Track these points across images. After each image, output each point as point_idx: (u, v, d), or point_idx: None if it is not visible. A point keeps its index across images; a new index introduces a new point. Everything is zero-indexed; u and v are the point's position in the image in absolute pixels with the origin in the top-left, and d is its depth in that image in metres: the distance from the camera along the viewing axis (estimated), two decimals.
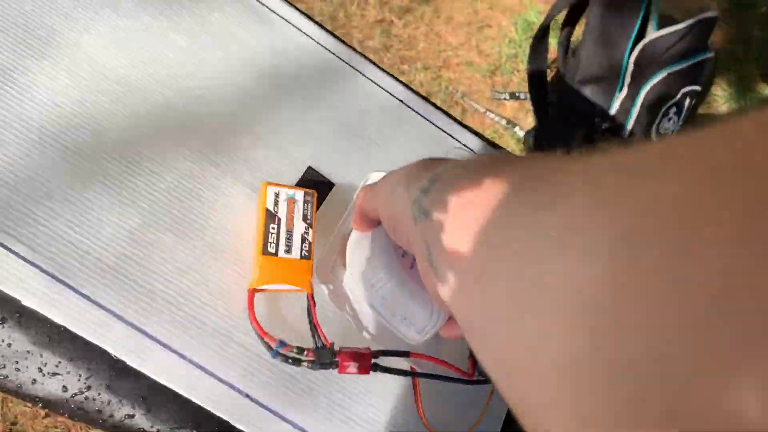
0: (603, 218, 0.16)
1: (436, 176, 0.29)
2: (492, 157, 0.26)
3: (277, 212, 0.42)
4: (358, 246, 0.44)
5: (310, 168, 0.48)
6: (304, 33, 0.52)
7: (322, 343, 0.41)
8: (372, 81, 0.53)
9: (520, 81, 1.65)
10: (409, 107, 0.53)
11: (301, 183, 0.47)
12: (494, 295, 0.21)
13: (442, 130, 0.54)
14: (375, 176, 0.49)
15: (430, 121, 0.54)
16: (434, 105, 0.55)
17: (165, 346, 0.39)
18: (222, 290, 0.42)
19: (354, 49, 0.53)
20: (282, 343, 0.40)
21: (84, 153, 0.41)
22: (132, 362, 0.38)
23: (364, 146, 0.51)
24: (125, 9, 0.47)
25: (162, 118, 0.44)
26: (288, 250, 0.42)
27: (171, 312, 0.40)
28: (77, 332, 0.37)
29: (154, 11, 0.47)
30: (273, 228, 0.42)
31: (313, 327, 0.41)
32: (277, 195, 0.43)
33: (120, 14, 0.46)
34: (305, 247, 0.42)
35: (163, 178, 0.43)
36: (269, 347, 0.40)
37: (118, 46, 0.45)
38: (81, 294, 0.38)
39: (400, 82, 0.54)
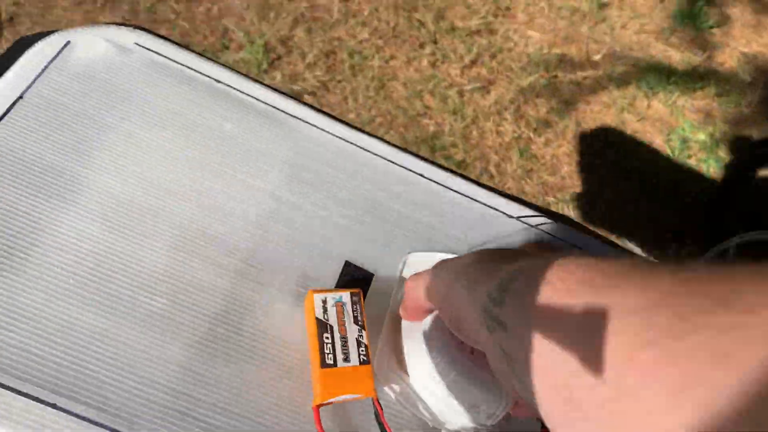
0: None
1: (506, 281, 0.28)
2: (590, 262, 0.24)
3: (327, 320, 0.42)
4: (413, 339, 0.43)
5: (347, 262, 0.47)
6: (328, 132, 0.52)
7: None
8: (406, 167, 0.53)
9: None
10: (450, 189, 0.53)
11: (342, 279, 0.47)
12: None
13: (491, 207, 0.53)
14: (413, 259, 0.49)
15: (474, 199, 0.53)
16: (478, 183, 0.54)
17: None
18: (286, 409, 0.41)
19: (394, 144, 0.53)
20: None
21: (122, 296, 0.41)
22: None
23: (398, 230, 0.50)
24: (141, 140, 0.47)
25: (193, 243, 0.44)
26: (346, 358, 0.41)
27: None
28: None
29: (170, 135, 0.48)
30: (327, 338, 0.41)
31: (383, 429, 0.40)
32: (324, 301, 0.42)
33: (139, 147, 0.46)
34: (362, 351, 0.41)
35: (205, 308, 0.42)
36: None
37: (139, 178, 0.45)
38: None
39: (438, 164, 0.53)
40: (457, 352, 0.40)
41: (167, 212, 0.44)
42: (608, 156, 1.60)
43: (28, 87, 0.46)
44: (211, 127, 0.49)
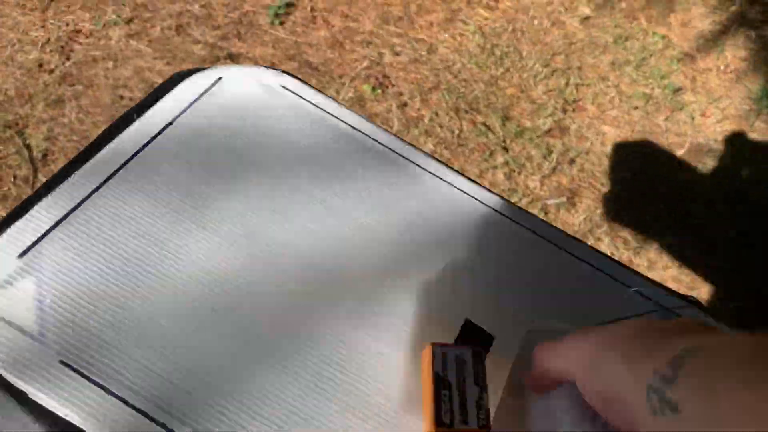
0: None
1: (681, 358, 0.25)
2: None
3: (446, 376, 0.39)
4: (540, 412, 0.39)
5: (468, 321, 0.45)
6: (458, 189, 0.51)
7: None
8: (531, 230, 0.51)
9: None
10: (583, 260, 0.50)
11: (461, 339, 0.44)
12: None
13: (615, 279, 0.50)
14: (538, 327, 0.46)
15: (596, 267, 0.50)
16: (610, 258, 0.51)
17: None
18: None
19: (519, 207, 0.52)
20: None
21: (245, 327, 0.40)
22: None
23: (523, 296, 0.47)
24: (279, 176, 0.48)
25: (318, 283, 0.43)
26: (464, 420, 0.38)
27: None
28: None
29: (306, 175, 0.48)
30: (445, 395, 0.38)
31: None
32: (444, 356, 0.40)
33: (277, 183, 0.47)
34: (482, 415, 0.38)
35: (318, 347, 0.41)
36: None
37: (273, 212, 0.45)
38: None
39: (576, 240, 0.51)
40: (593, 424, 0.37)
41: (296, 250, 0.44)
42: None
43: (181, 113, 0.49)
44: (347, 172, 0.49)
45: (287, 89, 0.53)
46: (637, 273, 0.51)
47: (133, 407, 0.35)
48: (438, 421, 0.37)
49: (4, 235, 0.40)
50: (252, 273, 0.42)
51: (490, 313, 0.46)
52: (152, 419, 0.35)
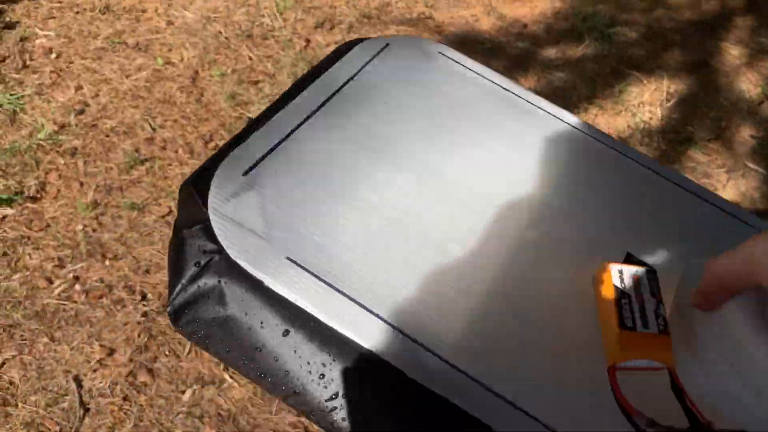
0: None
1: None
2: None
3: (625, 288, 0.42)
4: (712, 326, 0.41)
5: (628, 254, 0.48)
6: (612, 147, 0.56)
7: (698, 422, 0.38)
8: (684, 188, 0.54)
9: None
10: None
11: None
12: None
13: None
14: (696, 264, 0.48)
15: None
16: None
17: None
18: (575, 373, 0.41)
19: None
20: (652, 422, 0.37)
21: (431, 241, 0.45)
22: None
23: (677, 235, 0.50)
24: (443, 126, 0.53)
25: (499, 223, 0.48)
26: (644, 324, 0.41)
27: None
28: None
29: (465, 130, 0.53)
30: (625, 303, 0.41)
31: (685, 404, 0.39)
32: (621, 272, 0.43)
33: (442, 133, 0.52)
34: (660, 322, 0.41)
35: (504, 267, 0.45)
36: (637, 427, 0.38)
37: (441, 153, 0.50)
38: (438, 356, 0.39)
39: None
40: (766, 336, 0.39)
41: (467, 184, 0.49)
42: None
43: (358, 71, 0.55)
44: (504, 129, 0.54)
45: (444, 55, 0.59)
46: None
47: (348, 297, 0.40)
48: (621, 324, 0.40)
49: (228, 158, 0.46)
50: (441, 209, 0.47)
51: (651, 249, 0.49)
52: (363, 306, 0.40)
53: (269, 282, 0.40)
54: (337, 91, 0.53)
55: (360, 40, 0.59)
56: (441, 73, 0.57)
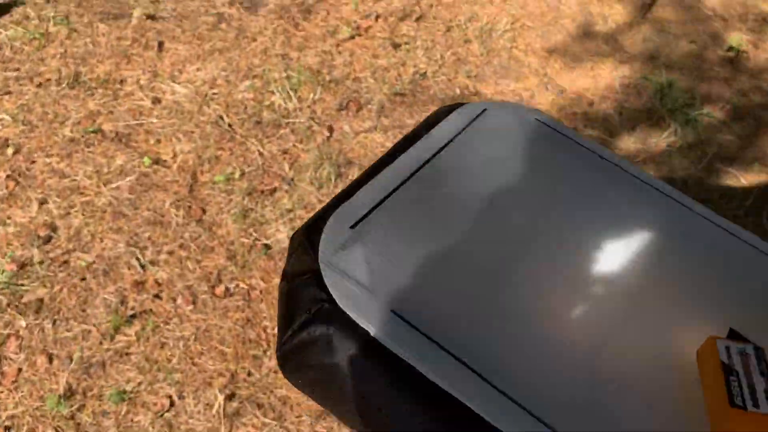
0: None
1: None
2: None
3: (733, 365, 0.41)
4: None
5: (732, 330, 0.47)
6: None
7: None
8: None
9: None
10: None
11: None
12: None
13: None
14: None
15: None
16: None
17: None
18: None
19: None
20: None
21: (542, 308, 0.45)
22: None
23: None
24: (539, 192, 0.54)
25: (601, 286, 0.48)
26: (755, 405, 0.40)
27: None
28: None
29: (561, 196, 0.54)
30: (734, 380, 0.41)
31: None
32: (728, 348, 0.42)
33: (538, 201, 0.53)
34: None
35: (608, 337, 0.45)
36: None
37: (536, 218, 0.51)
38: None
39: None
40: None
41: (571, 255, 0.50)
42: None
43: (458, 133, 0.57)
44: (600, 196, 0.55)
45: (540, 122, 0.61)
46: None
47: (450, 353, 0.41)
48: (731, 401, 0.40)
49: (338, 210, 0.48)
50: (547, 273, 0.48)
51: (754, 326, 0.48)
52: (469, 367, 0.40)
53: (374, 332, 0.41)
54: (438, 152, 0.55)
55: (458, 105, 0.61)
56: (536, 138, 0.59)
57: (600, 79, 1.56)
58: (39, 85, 1.31)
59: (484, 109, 0.60)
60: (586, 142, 0.60)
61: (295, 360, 0.43)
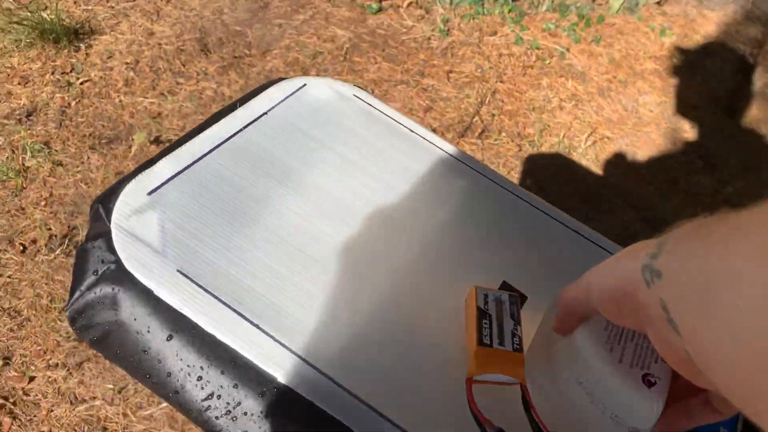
0: None
1: (662, 242, 0.31)
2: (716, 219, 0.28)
3: (487, 309, 0.47)
4: (564, 347, 0.46)
5: (504, 282, 0.53)
6: (500, 185, 0.61)
7: (541, 431, 0.42)
8: (552, 218, 0.59)
9: None
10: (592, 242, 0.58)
11: None
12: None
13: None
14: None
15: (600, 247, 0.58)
16: None
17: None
18: (441, 380, 0.45)
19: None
20: (500, 430, 0.41)
21: (320, 261, 0.49)
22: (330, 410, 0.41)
23: (546, 269, 0.55)
24: (349, 161, 0.58)
25: (380, 244, 0.52)
26: (501, 343, 0.45)
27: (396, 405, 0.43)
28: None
29: (370, 165, 0.58)
30: (485, 323, 0.46)
31: (532, 417, 0.43)
32: (486, 296, 0.48)
33: (347, 166, 0.57)
34: (516, 341, 0.45)
35: (385, 293, 0.49)
36: None
37: (341, 185, 0.55)
38: (311, 364, 0.43)
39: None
40: (609, 359, 0.43)
41: (361, 217, 0.54)
42: None
43: (274, 106, 0.60)
44: (401, 164, 0.59)
45: (358, 97, 0.64)
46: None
47: (229, 306, 0.44)
48: (479, 341, 0.45)
49: (137, 177, 0.50)
50: (331, 232, 0.51)
51: (526, 278, 0.53)
52: (243, 316, 0.44)
53: (158, 291, 0.44)
54: (253, 122, 0.58)
55: (280, 80, 0.64)
56: (351, 114, 0.62)
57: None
58: (23, 251, 0.93)
59: (304, 84, 0.64)
60: (403, 118, 0.64)
61: (84, 319, 0.44)
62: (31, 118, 1.10)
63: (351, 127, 0.61)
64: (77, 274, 0.46)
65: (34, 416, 0.71)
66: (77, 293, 0.45)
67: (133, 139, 1.12)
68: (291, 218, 0.51)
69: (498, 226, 0.57)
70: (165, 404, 0.80)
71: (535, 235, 0.58)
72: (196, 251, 0.47)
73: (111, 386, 0.78)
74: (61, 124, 1.11)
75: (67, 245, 0.95)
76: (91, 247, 0.46)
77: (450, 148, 0.63)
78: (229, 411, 0.41)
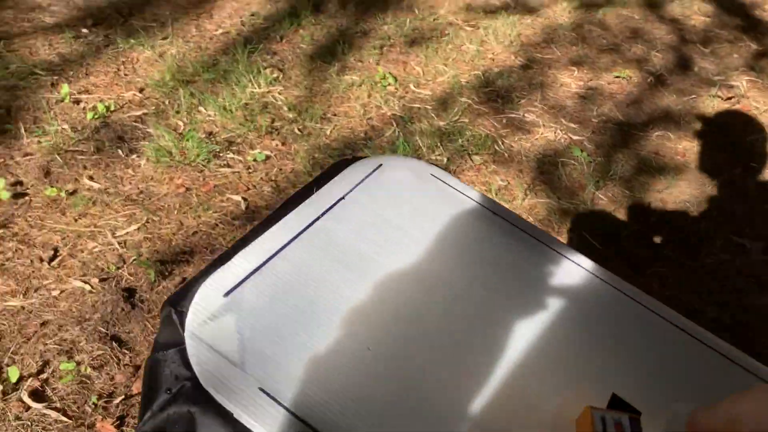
0: None
1: None
2: None
3: None
4: None
5: (614, 395, 0.47)
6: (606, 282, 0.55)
7: None
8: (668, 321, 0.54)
9: None
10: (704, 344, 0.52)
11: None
12: None
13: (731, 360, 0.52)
14: (678, 407, 0.47)
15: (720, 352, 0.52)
16: None
17: None
18: None
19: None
20: None
21: (403, 371, 0.44)
22: None
23: (663, 380, 0.49)
24: (428, 247, 0.53)
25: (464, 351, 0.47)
26: None
27: None
28: None
29: (449, 251, 0.53)
30: None
31: None
32: (603, 420, 0.42)
33: (425, 253, 0.52)
34: None
35: (480, 411, 0.44)
36: None
37: (419, 274, 0.50)
38: None
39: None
40: None
41: (437, 313, 0.48)
42: None
43: (350, 190, 0.56)
44: (482, 253, 0.54)
45: (435, 177, 0.60)
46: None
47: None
48: None
49: (212, 276, 0.46)
50: (409, 325, 0.46)
51: (637, 391, 0.47)
52: None
53: (239, 415, 0.39)
54: (330, 208, 0.54)
55: (355, 159, 0.60)
56: (429, 194, 0.58)
57: None
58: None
59: (380, 164, 0.60)
60: (482, 198, 0.60)
61: None
62: None
63: (429, 208, 0.56)
64: (149, 390, 0.41)
65: None
66: (149, 413, 0.40)
67: None
68: (376, 322, 0.46)
69: (606, 327, 0.52)
70: None
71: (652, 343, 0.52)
72: (278, 364, 0.42)
73: None
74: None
75: None
76: (163, 359, 0.42)
77: (537, 232, 0.57)
78: None
